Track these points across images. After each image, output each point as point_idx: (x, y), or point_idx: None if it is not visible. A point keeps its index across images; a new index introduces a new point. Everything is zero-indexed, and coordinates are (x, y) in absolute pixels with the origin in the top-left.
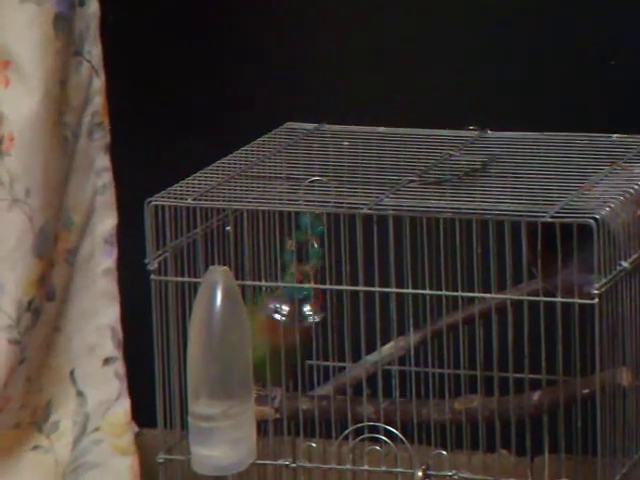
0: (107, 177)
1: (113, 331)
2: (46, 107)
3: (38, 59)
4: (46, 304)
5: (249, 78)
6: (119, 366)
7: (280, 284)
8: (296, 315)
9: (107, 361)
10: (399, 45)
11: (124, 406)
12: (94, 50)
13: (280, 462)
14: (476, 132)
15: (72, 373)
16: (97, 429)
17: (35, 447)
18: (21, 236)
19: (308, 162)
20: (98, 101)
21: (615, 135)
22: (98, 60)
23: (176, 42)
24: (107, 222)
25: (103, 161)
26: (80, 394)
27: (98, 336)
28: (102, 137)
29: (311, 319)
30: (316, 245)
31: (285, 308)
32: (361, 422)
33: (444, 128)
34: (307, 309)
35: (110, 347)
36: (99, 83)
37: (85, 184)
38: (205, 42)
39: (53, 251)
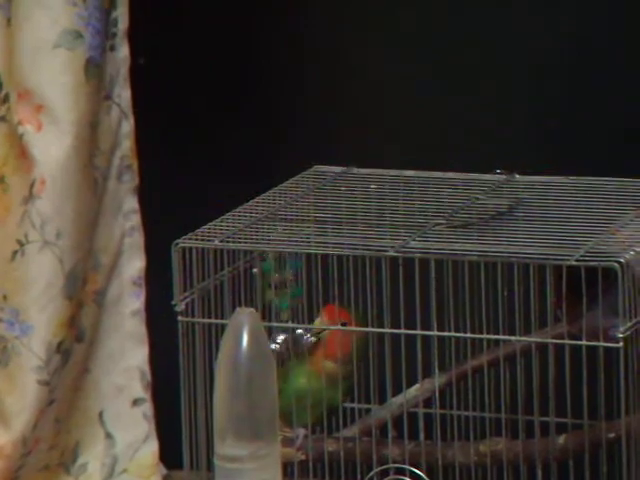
0: (135, 219)
1: (141, 373)
2: (77, 150)
3: (70, 103)
4: (75, 345)
5: (279, 121)
6: (147, 408)
7: (308, 325)
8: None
9: (135, 402)
10: (429, 89)
11: (152, 448)
12: (123, 94)
13: None
14: (503, 176)
15: (101, 415)
16: (125, 471)
17: None
18: (51, 278)
19: (335, 205)
20: (127, 144)
21: None
22: (127, 103)
23: (206, 85)
24: (135, 264)
25: (132, 203)
26: (109, 436)
27: (126, 378)
28: (131, 180)
29: (309, 339)
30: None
31: (280, 337)
32: (386, 464)
33: (471, 172)
34: (300, 331)
35: (138, 389)
36: (128, 126)
37: (113, 226)
38: (235, 85)
39: (82, 292)
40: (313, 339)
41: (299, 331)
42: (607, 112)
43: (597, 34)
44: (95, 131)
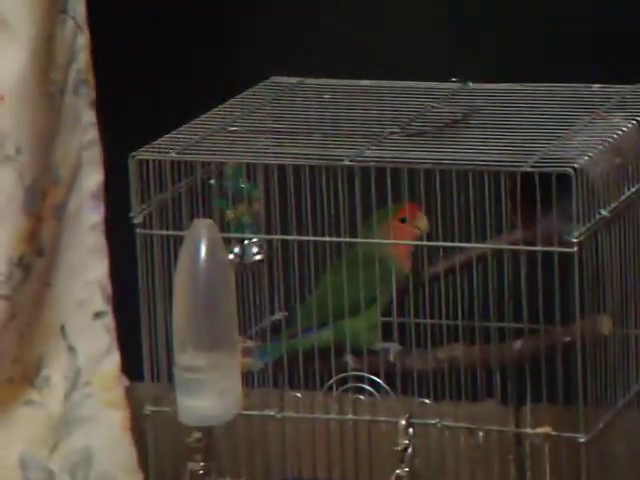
0: (93, 133)
1: (102, 286)
2: (34, 65)
3: (26, 17)
4: (36, 260)
5: (233, 32)
6: (109, 320)
7: (256, 236)
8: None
9: (97, 315)
10: None
11: (114, 360)
12: (78, 7)
13: (266, 413)
14: (458, 84)
15: (63, 328)
16: (88, 383)
17: (28, 402)
18: (12, 193)
19: (291, 116)
20: (83, 58)
21: (595, 85)
22: (82, 17)
23: None
24: (94, 178)
25: (89, 117)
26: (71, 349)
27: (87, 291)
28: (87, 93)
29: (257, 257)
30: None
31: (236, 249)
32: (345, 372)
33: (426, 80)
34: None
35: (99, 302)
36: (83, 40)
37: (72, 140)
38: None
39: (42, 207)
40: (259, 257)
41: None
42: (559, 17)
43: None
44: (51, 45)
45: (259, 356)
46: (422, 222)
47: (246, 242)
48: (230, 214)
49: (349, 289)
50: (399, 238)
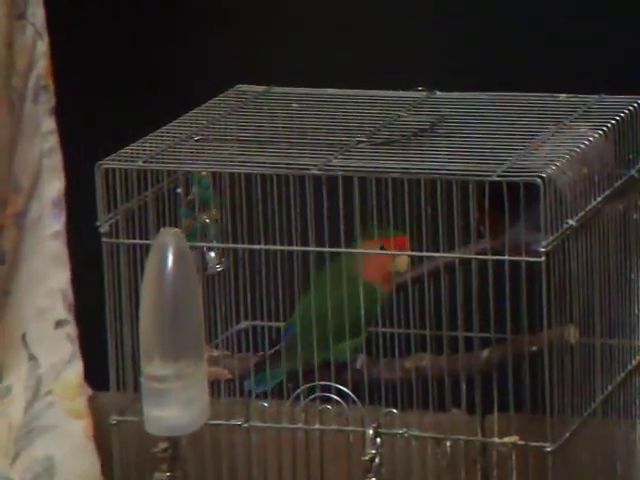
0: (53, 140)
1: (64, 294)
2: None
3: None
4: None
5: (199, 41)
6: (71, 329)
7: (239, 246)
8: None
9: (58, 324)
10: (349, 6)
11: (76, 369)
12: (38, 12)
13: (233, 422)
14: (424, 93)
15: (23, 337)
16: (49, 392)
17: None
18: None
19: (258, 124)
20: (42, 64)
21: (562, 95)
22: (42, 23)
23: (124, 2)
24: (55, 185)
25: (49, 124)
26: (32, 357)
27: (49, 299)
28: (47, 100)
29: (218, 267)
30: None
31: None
32: (313, 382)
33: (392, 89)
34: (212, 256)
35: (61, 310)
36: (43, 46)
37: (32, 148)
38: (155, 3)
39: (2, 215)
40: (220, 268)
41: (212, 255)
42: (526, 27)
43: None
44: (10, 51)
45: (257, 383)
46: (401, 262)
47: (206, 251)
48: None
49: (343, 314)
50: (372, 262)
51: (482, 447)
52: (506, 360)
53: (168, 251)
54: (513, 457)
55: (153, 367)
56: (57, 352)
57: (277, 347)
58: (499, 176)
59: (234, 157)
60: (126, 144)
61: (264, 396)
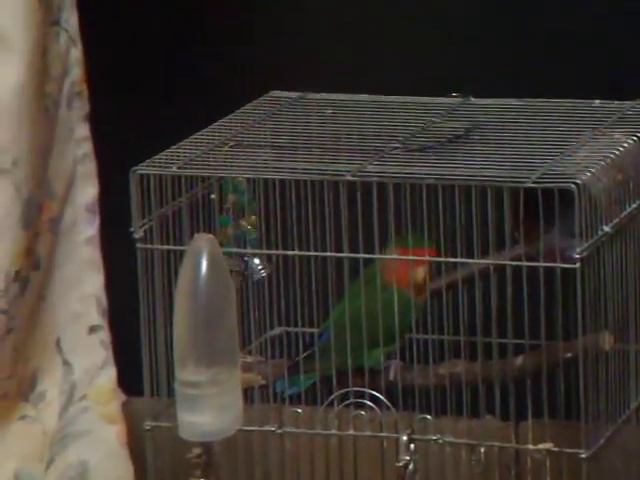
0: (87, 146)
1: (97, 299)
2: (30, 78)
3: (22, 30)
4: (32, 273)
5: (234, 47)
6: (104, 334)
7: (254, 251)
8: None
9: (92, 329)
10: (383, 12)
11: (110, 374)
12: (71, 19)
13: (266, 428)
14: (459, 99)
15: (58, 342)
16: (84, 397)
17: (22, 417)
18: (9, 206)
19: (292, 130)
20: (76, 71)
21: (597, 101)
22: (75, 29)
23: (159, 8)
24: (88, 191)
25: (83, 130)
26: (66, 363)
27: (83, 305)
28: (81, 107)
29: (262, 273)
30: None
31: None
32: (347, 388)
33: (427, 95)
34: (257, 262)
35: (95, 315)
36: (77, 53)
37: (66, 154)
38: (190, 9)
39: (38, 221)
40: (265, 274)
41: (256, 261)
42: (559, 33)
43: None
44: (45, 58)
45: (290, 385)
46: (418, 273)
47: (247, 258)
48: (233, 229)
49: (377, 322)
50: (397, 267)
51: (516, 454)
52: (540, 367)
53: (202, 257)
54: (547, 464)
55: (187, 373)
56: (90, 357)
57: (310, 350)
58: (534, 182)
59: (268, 163)
60: (160, 150)
61: (297, 402)
